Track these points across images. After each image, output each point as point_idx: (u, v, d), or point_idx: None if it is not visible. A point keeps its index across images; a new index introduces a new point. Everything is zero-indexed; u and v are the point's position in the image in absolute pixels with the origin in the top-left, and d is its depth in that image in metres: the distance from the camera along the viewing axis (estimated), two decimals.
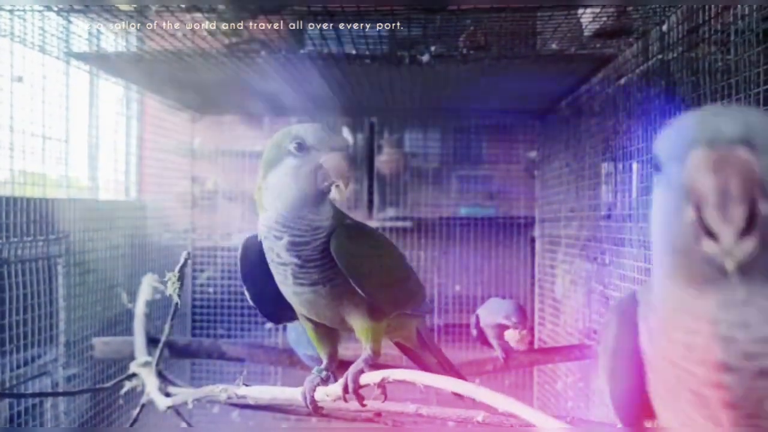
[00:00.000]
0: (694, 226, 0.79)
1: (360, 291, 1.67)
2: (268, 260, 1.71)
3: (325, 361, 1.88)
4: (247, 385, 1.93)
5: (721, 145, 0.78)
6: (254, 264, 1.78)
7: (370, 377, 1.63)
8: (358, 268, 1.66)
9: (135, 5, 2.49)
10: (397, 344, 2.16)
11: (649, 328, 0.95)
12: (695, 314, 0.84)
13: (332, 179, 1.58)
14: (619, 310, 1.05)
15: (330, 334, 1.89)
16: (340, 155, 1.59)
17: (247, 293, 1.89)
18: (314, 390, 1.78)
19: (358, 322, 1.75)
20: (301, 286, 1.68)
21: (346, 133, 4.99)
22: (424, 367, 2.12)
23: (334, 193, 1.60)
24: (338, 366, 2.93)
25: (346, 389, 1.67)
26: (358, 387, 1.67)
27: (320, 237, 1.64)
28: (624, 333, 1.01)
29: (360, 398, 1.70)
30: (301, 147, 1.59)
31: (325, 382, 1.80)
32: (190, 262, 2.22)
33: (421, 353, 2.12)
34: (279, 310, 1.88)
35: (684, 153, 0.81)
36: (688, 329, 0.85)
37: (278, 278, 1.72)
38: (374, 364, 1.75)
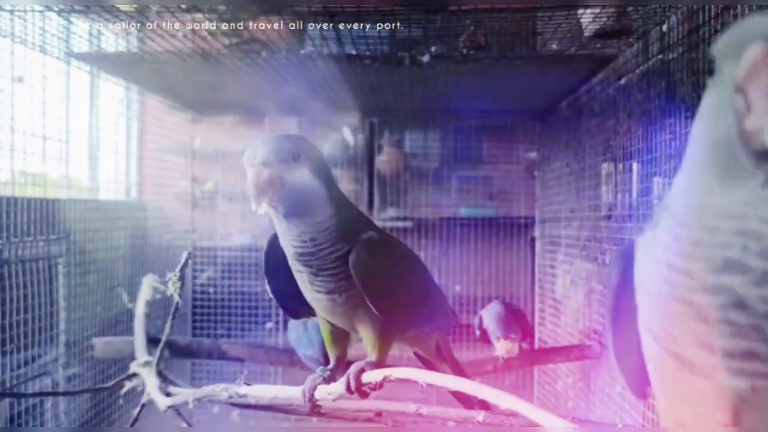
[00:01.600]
0: (741, 112, 0.77)
1: (375, 310, 1.66)
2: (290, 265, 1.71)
3: (332, 363, 1.88)
4: (248, 384, 1.93)
5: None
6: (277, 261, 1.75)
7: (372, 376, 1.63)
8: (375, 287, 1.64)
9: (135, 5, 2.49)
10: (415, 353, 2.14)
11: (648, 256, 0.95)
12: (721, 210, 0.81)
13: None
14: (621, 254, 1.06)
15: (344, 337, 1.89)
16: (249, 172, 1.54)
17: (268, 287, 1.88)
18: (314, 389, 1.79)
19: (368, 334, 1.74)
20: (318, 293, 1.68)
21: (347, 134, 4.99)
22: None
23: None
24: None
25: (348, 388, 1.67)
26: (360, 385, 1.66)
27: (325, 247, 1.61)
28: (624, 271, 1.02)
29: (363, 395, 1.70)
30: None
31: (327, 382, 1.79)
32: (190, 262, 2.22)
33: (438, 365, 2.09)
34: (298, 307, 1.86)
35: (741, 49, 0.79)
36: (708, 227, 0.82)
37: (299, 283, 1.72)
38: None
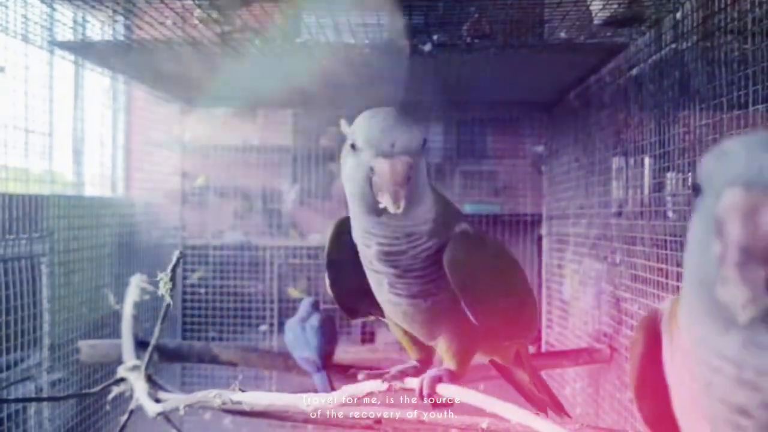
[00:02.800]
0: (717, 265, 0.76)
1: (471, 316, 1.53)
2: (363, 263, 1.59)
3: (413, 359, 1.76)
4: (242, 391, 1.92)
5: (759, 190, 0.74)
6: (344, 254, 1.65)
7: (447, 391, 1.57)
8: (474, 290, 1.51)
9: None
10: (491, 360, 2.02)
11: (673, 346, 0.95)
12: (719, 352, 0.82)
13: (378, 190, 1.39)
14: (646, 326, 1.05)
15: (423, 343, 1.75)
16: (388, 163, 1.36)
17: (327, 279, 1.76)
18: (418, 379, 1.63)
19: (451, 343, 1.61)
20: (398, 297, 1.56)
21: (344, 127, 4.99)
22: (515, 384, 2.04)
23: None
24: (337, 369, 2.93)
25: (420, 393, 1.56)
26: (433, 393, 1.55)
27: (419, 244, 1.49)
28: (650, 349, 1.02)
29: (435, 405, 1.59)
30: (354, 146, 1.45)
31: (416, 372, 1.67)
32: (181, 261, 2.22)
33: (515, 371, 2.00)
34: (360, 307, 1.76)
35: (721, 185, 0.78)
36: (711, 366, 0.84)
37: (372, 284, 1.60)
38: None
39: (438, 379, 1.56)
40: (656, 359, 1.00)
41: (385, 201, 1.37)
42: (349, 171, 1.46)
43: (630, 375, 1.10)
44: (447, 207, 1.59)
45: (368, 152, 1.39)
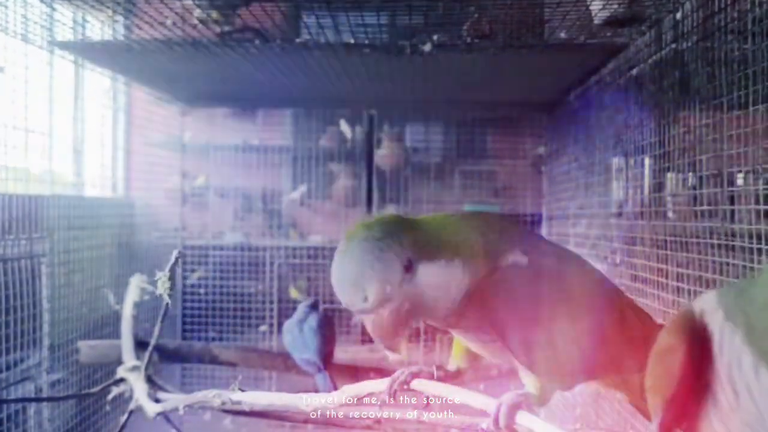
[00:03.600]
0: None
1: (517, 362, 1.38)
2: None
3: (454, 367, 1.62)
4: (242, 390, 1.91)
5: None
6: None
7: (376, 386, 1.57)
8: (510, 331, 1.33)
9: None
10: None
11: (735, 345, 0.89)
12: None
13: None
14: (683, 328, 0.97)
15: (478, 359, 1.61)
16: (368, 323, 1.28)
17: None
18: (410, 380, 1.54)
19: (526, 377, 1.43)
20: (471, 342, 1.48)
21: (345, 127, 4.99)
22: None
23: None
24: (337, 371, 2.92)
25: (496, 422, 1.38)
26: (512, 424, 1.37)
27: (458, 309, 1.35)
28: (691, 354, 0.95)
29: None
30: None
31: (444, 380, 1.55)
32: (180, 261, 2.22)
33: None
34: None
35: None
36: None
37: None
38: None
39: (518, 407, 1.38)
40: (697, 363, 0.94)
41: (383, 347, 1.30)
42: None
43: (659, 383, 1.02)
44: (493, 245, 1.38)
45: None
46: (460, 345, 1.59)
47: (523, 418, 1.35)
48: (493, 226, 1.45)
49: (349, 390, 1.64)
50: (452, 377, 1.60)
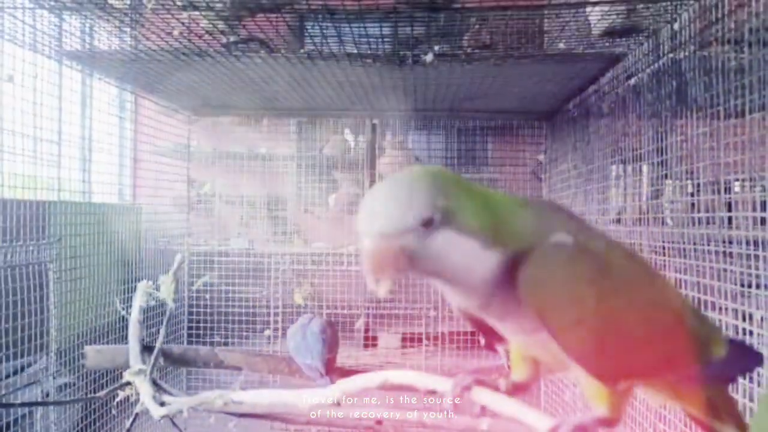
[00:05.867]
0: None
1: (563, 351, 1.20)
2: None
3: (513, 380, 1.47)
4: (243, 389, 1.91)
5: None
6: None
7: (369, 380, 1.58)
8: (555, 316, 1.17)
9: (129, 3, 2.50)
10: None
11: None
12: None
13: None
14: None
15: (537, 364, 1.46)
16: (365, 247, 1.16)
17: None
18: (469, 388, 1.43)
19: (582, 378, 1.29)
20: (512, 334, 1.33)
21: (348, 135, 5.00)
22: None
23: None
24: (339, 375, 2.91)
25: None
26: None
27: (493, 291, 1.20)
28: None
29: None
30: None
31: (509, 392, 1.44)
32: (185, 265, 2.21)
33: (715, 425, 1.47)
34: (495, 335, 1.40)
35: None
36: None
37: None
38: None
39: (583, 430, 1.26)
40: None
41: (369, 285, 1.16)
42: None
43: None
44: (538, 225, 1.24)
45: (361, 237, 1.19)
46: (517, 353, 1.46)
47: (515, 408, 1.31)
48: (540, 206, 1.34)
49: (344, 384, 1.62)
50: (520, 389, 1.46)
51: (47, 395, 3.18)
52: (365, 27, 2.76)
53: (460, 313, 1.37)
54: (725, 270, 2.09)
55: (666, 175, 2.57)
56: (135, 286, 3.05)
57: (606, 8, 2.57)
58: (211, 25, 2.74)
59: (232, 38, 2.88)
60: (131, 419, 2.54)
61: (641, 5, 2.51)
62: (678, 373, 1.35)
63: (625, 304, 1.23)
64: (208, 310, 4.74)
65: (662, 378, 1.36)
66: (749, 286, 1.98)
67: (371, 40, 2.88)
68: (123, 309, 2.99)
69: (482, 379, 1.44)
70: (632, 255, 1.35)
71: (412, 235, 1.14)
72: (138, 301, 2.97)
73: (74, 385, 3.36)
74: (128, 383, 2.64)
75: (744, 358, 1.46)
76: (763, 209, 1.91)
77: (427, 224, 1.13)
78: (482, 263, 1.17)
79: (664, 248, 2.54)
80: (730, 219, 2.10)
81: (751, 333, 1.98)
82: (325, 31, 2.82)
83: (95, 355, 3.28)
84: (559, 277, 1.17)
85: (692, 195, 2.37)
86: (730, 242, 2.07)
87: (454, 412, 1.44)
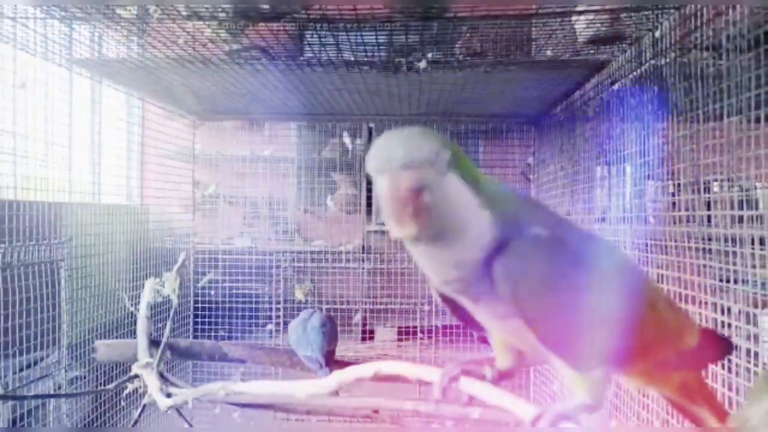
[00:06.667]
0: None
1: (538, 340, 1.20)
2: None
3: (498, 368, 1.46)
4: (243, 381, 1.90)
5: None
6: None
7: (363, 371, 1.58)
8: (530, 305, 1.15)
9: (137, 13, 2.50)
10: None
11: None
12: None
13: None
14: None
15: (520, 352, 1.43)
16: (383, 179, 1.11)
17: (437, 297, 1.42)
18: (457, 378, 1.42)
19: (561, 366, 1.27)
20: (484, 318, 1.30)
21: (346, 139, 5.00)
22: (696, 422, 1.50)
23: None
24: (338, 367, 2.90)
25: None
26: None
27: (477, 269, 1.17)
28: None
29: None
30: (368, 176, 1.18)
31: (480, 377, 1.43)
32: (188, 263, 2.21)
33: (690, 407, 1.49)
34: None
35: None
36: None
37: (463, 304, 1.30)
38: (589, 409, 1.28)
39: (563, 417, 1.23)
40: None
41: (389, 226, 1.10)
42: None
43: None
44: (520, 211, 1.23)
45: (374, 176, 1.14)
46: (500, 341, 1.43)
47: (504, 399, 1.31)
48: (524, 199, 1.34)
49: (339, 375, 1.62)
50: (504, 377, 1.46)
51: (59, 388, 3.17)
52: (362, 35, 2.76)
53: (438, 296, 1.35)
54: (705, 266, 2.10)
55: (648, 176, 2.58)
56: (143, 284, 3.06)
57: (591, 17, 2.57)
58: (214, 34, 2.74)
59: (234, 46, 2.88)
60: (139, 410, 2.54)
61: (624, 14, 2.51)
62: (651, 360, 1.34)
63: (596, 294, 1.20)
64: (213, 306, 4.74)
65: (636, 365, 1.35)
66: (727, 281, 1.99)
67: (367, 48, 2.88)
68: (131, 305, 2.99)
69: (469, 369, 1.43)
70: (610, 250, 1.35)
71: (428, 171, 1.11)
72: (146, 297, 2.97)
73: (85, 378, 3.35)
74: (136, 376, 2.64)
75: (715, 346, 1.46)
76: (741, 208, 1.92)
77: (440, 163, 1.11)
78: (477, 221, 1.15)
79: (646, 245, 2.54)
80: (709, 217, 2.11)
81: (729, 326, 1.99)
82: (323, 40, 2.82)
83: (105, 349, 3.28)
84: (534, 267, 1.15)
85: (673, 195, 2.37)
86: (710, 239, 2.07)
87: (443, 401, 1.43)
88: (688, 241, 2.21)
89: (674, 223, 2.33)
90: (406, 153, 1.10)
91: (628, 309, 1.24)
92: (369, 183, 4.82)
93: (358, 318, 4.79)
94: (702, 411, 1.47)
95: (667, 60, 2.46)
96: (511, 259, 1.14)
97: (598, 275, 1.22)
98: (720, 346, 1.49)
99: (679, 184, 2.31)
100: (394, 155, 1.10)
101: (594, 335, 1.20)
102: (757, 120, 1.83)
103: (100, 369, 3.49)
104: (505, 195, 1.24)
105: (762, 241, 1.81)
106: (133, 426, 2.56)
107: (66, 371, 3.21)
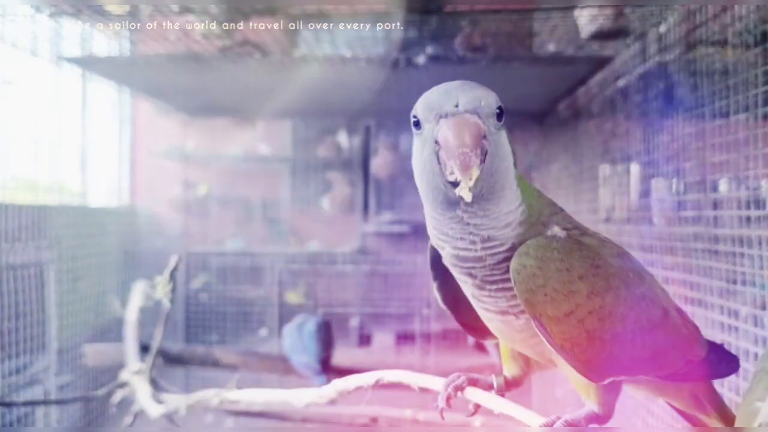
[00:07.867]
0: None
1: (548, 344, 1.18)
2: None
3: (505, 376, 1.46)
4: (239, 388, 1.91)
5: None
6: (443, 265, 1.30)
7: (363, 379, 1.58)
8: (544, 310, 1.15)
9: (127, 8, 2.50)
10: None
11: None
12: None
13: (448, 166, 1.09)
14: None
15: (527, 359, 1.44)
16: (451, 121, 1.10)
17: (438, 296, 1.44)
18: (462, 388, 1.41)
19: (570, 374, 1.26)
20: (486, 311, 1.26)
21: (342, 136, 5.01)
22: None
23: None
24: (336, 374, 2.92)
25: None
26: None
27: (499, 252, 1.17)
28: None
29: None
30: (417, 123, 1.18)
31: (487, 388, 1.42)
32: (180, 265, 2.22)
33: (700, 417, 1.50)
34: (477, 323, 1.36)
35: None
36: None
37: (466, 293, 1.29)
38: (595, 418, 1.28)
39: (575, 426, 1.24)
40: None
41: (455, 172, 1.07)
42: (416, 154, 1.19)
43: None
44: (542, 207, 1.25)
45: (430, 121, 1.14)
46: (507, 350, 1.44)
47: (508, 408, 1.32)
48: (544, 198, 1.33)
49: (339, 384, 1.62)
50: (512, 385, 1.46)
51: (48, 394, 3.18)
52: (358, 29, 2.76)
53: (439, 295, 1.39)
54: (711, 268, 2.11)
55: (654, 175, 2.59)
56: (132, 287, 3.06)
57: (594, 11, 2.58)
58: (206, 30, 2.74)
59: (227, 42, 2.88)
60: (131, 418, 2.54)
61: (628, 9, 2.52)
62: (663, 370, 1.34)
63: (613, 300, 1.21)
64: (205, 310, 4.74)
65: (648, 375, 1.34)
66: (735, 283, 2.00)
67: (364, 42, 2.89)
68: (121, 309, 2.99)
69: (475, 378, 1.43)
70: (623, 253, 1.34)
71: (490, 121, 1.14)
72: (135, 301, 2.98)
73: (75, 383, 3.36)
74: (126, 383, 2.65)
75: (722, 361, 1.45)
76: (748, 208, 1.93)
77: (499, 116, 1.15)
78: (513, 193, 1.20)
79: (652, 246, 2.55)
80: (716, 218, 2.12)
81: (737, 329, 2.00)
82: (318, 35, 2.82)
83: (95, 354, 3.30)
84: (550, 270, 1.15)
85: (679, 194, 2.39)
86: (717, 240, 2.08)
87: (447, 410, 1.42)
88: (695, 242, 2.22)
89: (680, 223, 2.34)
90: (474, 98, 1.11)
91: (644, 317, 1.25)
92: (366, 182, 4.83)
93: (354, 322, 4.79)
94: (712, 421, 1.47)
95: (673, 56, 2.47)
96: (527, 259, 1.15)
97: (613, 280, 1.22)
98: (727, 362, 1.48)
99: (685, 183, 2.32)
100: (462, 99, 1.11)
101: (610, 344, 1.20)
102: (765, 117, 1.84)
103: (90, 374, 3.49)
104: (529, 185, 1.28)
105: None
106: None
107: (55, 376, 3.22)
